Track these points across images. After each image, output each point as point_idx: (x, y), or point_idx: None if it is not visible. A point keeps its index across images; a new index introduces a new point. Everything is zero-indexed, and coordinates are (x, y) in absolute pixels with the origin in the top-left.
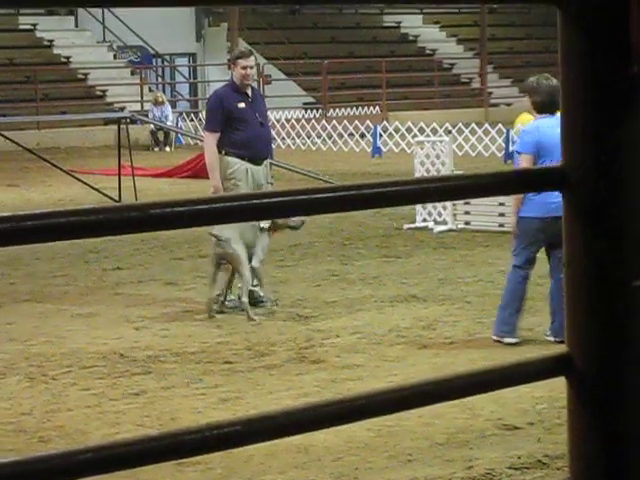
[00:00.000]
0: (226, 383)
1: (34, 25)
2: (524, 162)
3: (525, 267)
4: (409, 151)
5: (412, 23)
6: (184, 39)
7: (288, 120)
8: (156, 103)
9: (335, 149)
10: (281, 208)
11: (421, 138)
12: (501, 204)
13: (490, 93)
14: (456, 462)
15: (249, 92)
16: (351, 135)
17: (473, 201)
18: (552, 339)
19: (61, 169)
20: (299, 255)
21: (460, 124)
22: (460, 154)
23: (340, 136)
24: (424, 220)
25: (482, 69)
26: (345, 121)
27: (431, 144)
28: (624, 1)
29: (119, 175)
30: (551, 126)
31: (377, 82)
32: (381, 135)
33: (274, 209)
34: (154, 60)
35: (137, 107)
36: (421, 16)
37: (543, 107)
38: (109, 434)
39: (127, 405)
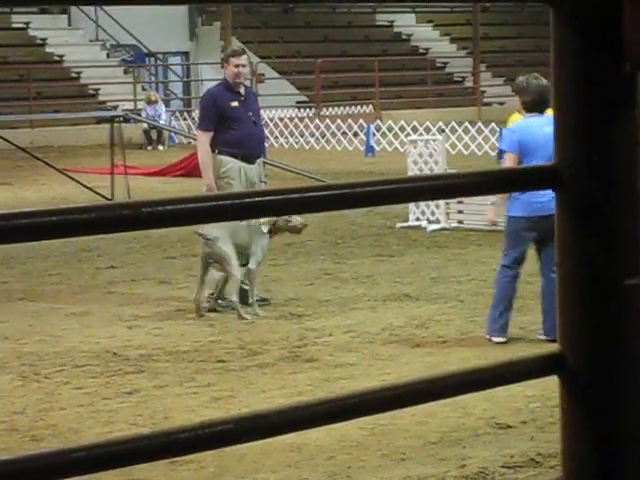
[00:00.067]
0: (219, 382)
1: (27, 23)
2: (508, 161)
3: (514, 266)
4: (402, 150)
5: (405, 22)
6: (177, 38)
7: (281, 119)
8: (149, 102)
9: (328, 148)
10: (274, 207)
11: (414, 137)
12: (494, 203)
13: (483, 92)
14: (449, 461)
15: (242, 91)
16: (344, 134)
17: (466, 200)
18: (544, 338)
19: (54, 168)
20: (292, 254)
21: (453, 123)
22: (453, 153)
23: (333, 135)
24: (417, 219)
25: (475, 68)
26: (338, 120)
27: (424, 143)
28: (616, 0)
29: (112, 174)
30: (538, 125)
31: (370, 81)
32: (374, 134)
33: (267, 208)
34: (147, 59)
35: (130, 106)
36: (414, 15)
37: (532, 106)
38: (102, 433)
39: (120, 404)
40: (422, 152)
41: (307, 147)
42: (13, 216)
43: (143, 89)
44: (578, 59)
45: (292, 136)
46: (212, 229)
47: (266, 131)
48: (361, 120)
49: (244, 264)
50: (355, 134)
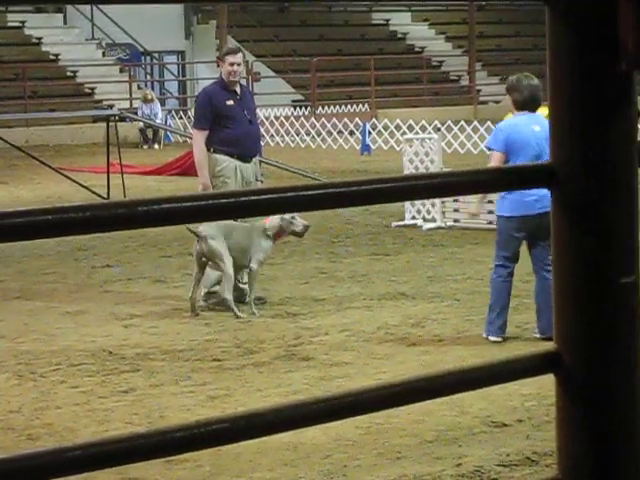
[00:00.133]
0: (215, 381)
1: (23, 22)
2: (494, 159)
3: (507, 265)
4: (398, 149)
5: (401, 20)
6: (173, 37)
7: (277, 117)
8: (145, 101)
9: (324, 147)
10: (270, 205)
11: (410, 135)
12: (490, 202)
13: (479, 90)
14: (445, 459)
15: (238, 89)
16: (340, 133)
17: (462, 198)
18: (540, 336)
19: (50, 167)
20: (287, 252)
21: (449, 121)
22: (449, 151)
23: (329, 134)
24: (413, 218)
25: (471, 66)
26: (334, 119)
27: (420, 141)
28: None
29: (108, 173)
30: (526, 124)
31: (366, 80)
32: (370, 133)
33: (263, 206)
34: (143, 58)
35: (126, 105)
36: (410, 14)
37: (523, 105)
38: (98, 432)
39: (116, 403)
40: (418, 151)
41: (303, 146)
42: (8, 215)
43: (139, 88)
44: (574, 57)
45: (288, 135)
46: (205, 227)
47: (262, 130)
48: (357, 119)
49: (246, 265)
50: (351, 133)
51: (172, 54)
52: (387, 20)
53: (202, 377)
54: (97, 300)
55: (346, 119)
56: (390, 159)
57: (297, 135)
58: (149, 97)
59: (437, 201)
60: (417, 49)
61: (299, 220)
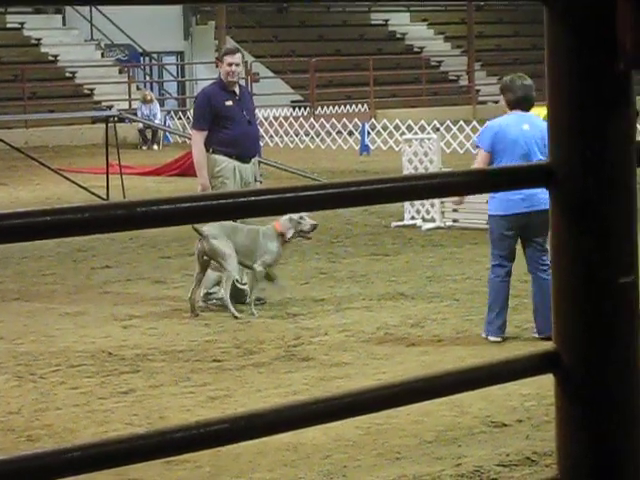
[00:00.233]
0: (215, 381)
1: (22, 24)
2: (479, 156)
3: (503, 265)
4: (397, 149)
5: (400, 21)
6: (172, 37)
7: (276, 118)
8: (144, 101)
9: (323, 147)
10: (269, 206)
11: (409, 136)
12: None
13: (478, 90)
14: (445, 459)
15: (237, 90)
16: (339, 133)
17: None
18: (538, 336)
19: (49, 168)
20: (287, 253)
21: (448, 121)
22: (448, 151)
23: (328, 134)
24: (412, 218)
25: (470, 66)
26: (333, 119)
27: (419, 142)
28: None
29: (107, 173)
30: (515, 123)
31: (365, 80)
32: (369, 133)
33: (262, 207)
34: (142, 58)
35: (125, 105)
36: (408, 14)
37: (515, 104)
38: (98, 433)
39: (116, 404)
40: (417, 151)
41: (302, 146)
42: (7, 216)
43: (138, 89)
44: (572, 57)
45: (287, 135)
46: (209, 226)
47: (261, 130)
48: (356, 119)
49: (251, 266)
50: (350, 133)
51: (171, 55)
52: (386, 20)
53: (202, 378)
54: (96, 301)
55: (345, 119)
56: (389, 159)
57: (296, 135)
58: (148, 98)
59: (436, 201)
60: (416, 49)
61: (307, 220)
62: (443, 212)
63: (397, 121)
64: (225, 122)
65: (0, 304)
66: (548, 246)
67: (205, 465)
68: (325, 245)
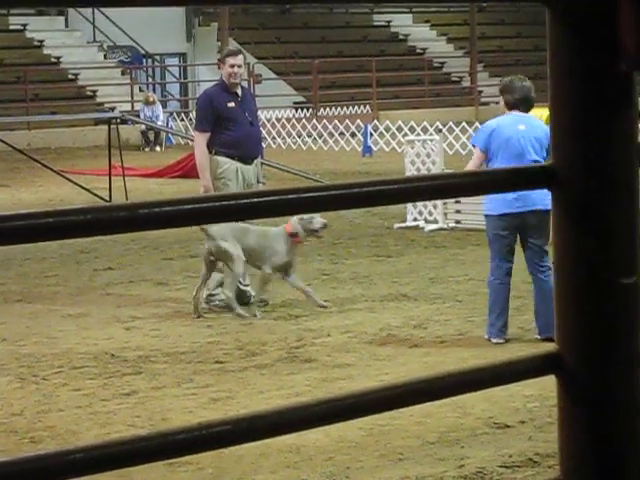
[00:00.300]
0: (217, 383)
1: (24, 25)
2: (475, 156)
3: (502, 266)
4: (400, 150)
5: (402, 22)
6: (174, 39)
7: (278, 119)
8: (147, 103)
9: (326, 148)
10: (271, 207)
11: (412, 137)
12: None
13: (480, 92)
14: (447, 461)
15: (239, 91)
16: (342, 134)
17: (464, 200)
18: (539, 337)
19: (52, 169)
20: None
21: (450, 123)
22: (451, 153)
23: (331, 135)
24: (415, 219)
25: (472, 68)
26: (335, 120)
27: (422, 143)
28: None
29: (109, 175)
30: (511, 123)
31: (367, 81)
32: (371, 134)
33: (264, 208)
34: (144, 60)
35: (127, 107)
36: (411, 15)
37: (514, 105)
38: (100, 434)
39: (118, 405)
40: (419, 152)
41: (304, 148)
42: (10, 218)
43: (140, 90)
44: (574, 58)
45: (289, 137)
46: (217, 227)
47: (263, 132)
48: (358, 120)
49: (260, 268)
50: (352, 134)
51: (174, 56)
52: (388, 22)
53: (204, 379)
54: (99, 303)
55: (348, 121)
56: (392, 161)
57: (299, 137)
58: (151, 99)
59: (439, 202)
60: (418, 50)
61: (318, 218)
62: (446, 213)
63: (400, 122)
64: (227, 124)
65: (3, 306)
66: (547, 248)
67: (207, 467)
68: (328, 246)
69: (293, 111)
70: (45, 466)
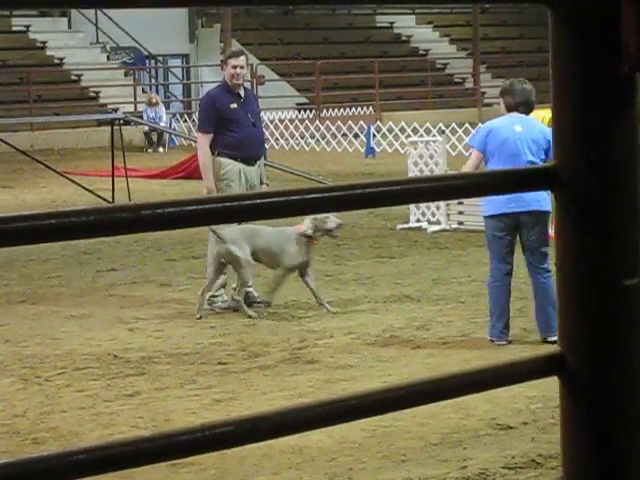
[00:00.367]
0: (220, 384)
1: (27, 27)
2: (472, 157)
3: (499, 267)
4: (402, 151)
5: (405, 23)
6: (177, 40)
7: (281, 120)
8: (150, 104)
9: (328, 149)
10: (274, 209)
11: (414, 138)
12: None
13: (483, 93)
14: (450, 462)
15: (242, 93)
16: (344, 135)
17: (466, 201)
18: (541, 338)
19: (55, 170)
20: None
21: (453, 124)
22: (453, 154)
23: (333, 136)
24: (418, 220)
25: (475, 69)
26: (338, 121)
27: (424, 144)
28: (614, 1)
29: (112, 176)
30: (507, 124)
31: (370, 82)
32: (374, 135)
33: (267, 210)
34: (147, 61)
35: (130, 108)
36: (414, 16)
37: (514, 108)
38: (103, 435)
39: (121, 406)
40: (422, 153)
41: (307, 149)
42: (13, 219)
43: (143, 91)
44: (576, 60)
45: (292, 138)
46: (229, 230)
47: (266, 133)
48: (361, 121)
49: (274, 269)
50: (355, 136)
51: (176, 57)
52: (391, 23)
53: (207, 380)
54: (102, 304)
55: (350, 122)
56: (394, 162)
57: (301, 138)
58: (154, 100)
59: (442, 204)
60: (421, 52)
61: (333, 218)
62: (448, 215)
63: (402, 123)
64: (230, 125)
65: (6, 307)
66: (545, 250)
67: (210, 468)
68: (330, 247)
69: (296, 112)
70: (48, 467)
